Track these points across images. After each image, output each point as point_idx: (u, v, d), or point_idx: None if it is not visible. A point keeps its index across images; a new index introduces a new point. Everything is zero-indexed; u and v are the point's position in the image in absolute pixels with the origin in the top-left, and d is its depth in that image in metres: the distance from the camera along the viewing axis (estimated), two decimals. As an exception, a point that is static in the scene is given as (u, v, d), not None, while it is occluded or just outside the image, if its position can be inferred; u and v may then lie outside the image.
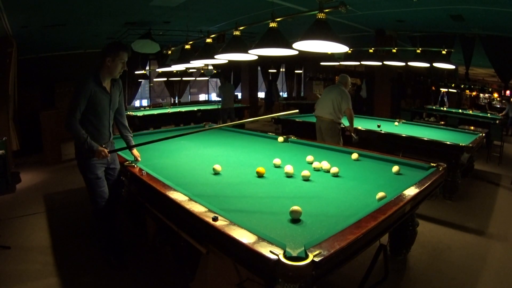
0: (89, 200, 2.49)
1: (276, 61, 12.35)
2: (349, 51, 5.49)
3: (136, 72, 8.79)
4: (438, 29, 6.00)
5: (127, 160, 2.60)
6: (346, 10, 2.13)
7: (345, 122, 4.53)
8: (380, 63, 5.34)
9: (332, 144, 3.50)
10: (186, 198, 1.81)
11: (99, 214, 2.47)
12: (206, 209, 1.64)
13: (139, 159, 2.65)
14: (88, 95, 2.27)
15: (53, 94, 8.02)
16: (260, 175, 2.39)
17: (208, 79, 12.76)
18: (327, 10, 2.14)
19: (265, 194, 2.05)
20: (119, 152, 2.65)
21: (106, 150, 2.34)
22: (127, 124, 2.70)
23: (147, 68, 9.39)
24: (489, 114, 8.67)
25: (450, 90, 12.85)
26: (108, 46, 2.35)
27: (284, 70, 13.43)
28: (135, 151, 2.68)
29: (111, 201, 2.51)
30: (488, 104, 14.42)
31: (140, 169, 2.34)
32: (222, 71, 10.02)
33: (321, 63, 7.71)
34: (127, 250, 2.71)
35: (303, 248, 1.26)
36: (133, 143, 2.67)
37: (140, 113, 6.79)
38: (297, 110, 3.07)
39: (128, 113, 6.37)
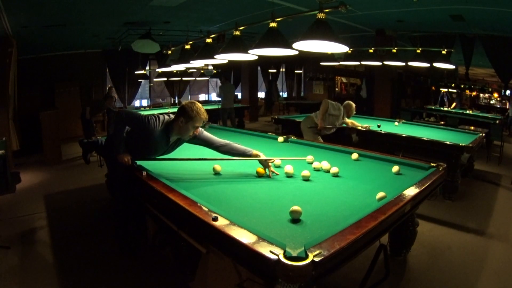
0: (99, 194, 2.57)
1: (276, 61, 12.35)
2: (349, 51, 5.49)
3: (136, 72, 8.79)
4: (438, 29, 6.01)
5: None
6: (346, 10, 2.13)
7: (363, 122, 4.73)
8: (380, 63, 5.34)
9: (332, 144, 3.50)
10: (186, 198, 1.81)
11: (123, 205, 2.57)
12: (206, 209, 1.64)
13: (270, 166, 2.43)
14: (146, 136, 2.30)
15: (53, 94, 8.02)
16: (260, 175, 2.39)
17: (208, 79, 12.75)
18: (327, 10, 2.14)
19: (265, 194, 2.05)
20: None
21: (129, 158, 2.34)
22: (220, 140, 2.52)
23: (147, 68, 9.38)
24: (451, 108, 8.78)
25: (450, 90, 12.83)
26: (185, 107, 2.25)
27: (284, 70, 13.42)
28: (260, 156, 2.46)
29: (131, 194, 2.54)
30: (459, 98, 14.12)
31: (140, 169, 2.34)
32: (222, 71, 10.02)
33: (321, 63, 7.72)
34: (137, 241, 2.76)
35: (303, 248, 1.26)
36: (238, 145, 2.53)
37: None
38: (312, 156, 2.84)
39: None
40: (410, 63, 4.96)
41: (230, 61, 3.57)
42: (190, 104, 2.27)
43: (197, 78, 10.97)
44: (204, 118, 2.29)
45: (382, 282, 2.19)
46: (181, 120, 2.26)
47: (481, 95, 15.60)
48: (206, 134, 2.50)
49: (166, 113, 2.46)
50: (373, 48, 5.33)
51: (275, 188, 2.18)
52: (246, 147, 2.53)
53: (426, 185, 2.09)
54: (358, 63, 6.01)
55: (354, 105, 4.62)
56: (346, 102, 4.65)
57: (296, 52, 2.46)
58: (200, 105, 2.31)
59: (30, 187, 4.46)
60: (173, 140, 2.42)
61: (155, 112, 7.05)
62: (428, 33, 6.29)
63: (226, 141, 2.52)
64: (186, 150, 3.25)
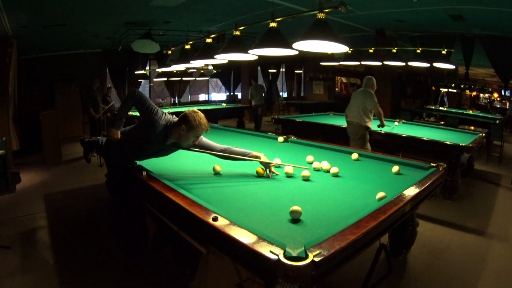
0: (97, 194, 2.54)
1: (276, 61, 12.35)
2: (349, 51, 5.50)
3: (136, 72, 8.79)
4: (438, 29, 6.01)
5: None
6: (346, 10, 2.13)
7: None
8: (380, 63, 5.34)
9: (332, 144, 3.49)
10: (186, 198, 1.81)
11: (123, 205, 2.60)
12: (206, 209, 1.64)
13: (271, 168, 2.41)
14: (148, 125, 2.30)
15: (53, 94, 8.03)
16: (260, 175, 2.39)
17: (208, 79, 12.76)
18: (327, 10, 2.14)
19: (265, 194, 2.05)
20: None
21: (118, 137, 2.33)
22: (219, 145, 2.47)
23: (147, 68, 9.38)
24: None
25: (450, 90, 12.83)
26: (188, 116, 2.21)
27: (284, 70, 13.42)
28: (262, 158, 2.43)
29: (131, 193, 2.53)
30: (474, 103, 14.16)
31: (140, 169, 2.34)
32: (251, 72, 10.15)
33: (321, 63, 7.71)
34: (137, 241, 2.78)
35: (303, 248, 1.26)
36: (238, 148, 2.51)
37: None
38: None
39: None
40: (410, 63, 4.96)
41: (230, 61, 3.57)
42: (193, 114, 2.23)
43: (197, 78, 10.98)
44: (206, 129, 2.26)
45: (385, 278, 2.19)
46: (183, 128, 2.23)
47: (481, 95, 15.60)
48: (205, 140, 2.47)
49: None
50: (373, 48, 5.33)
51: (275, 188, 2.18)
52: (245, 150, 2.51)
53: (426, 185, 2.09)
54: (358, 63, 6.01)
55: (373, 78, 4.47)
56: (366, 77, 4.50)
57: (296, 52, 2.46)
58: (202, 115, 2.27)
59: (30, 187, 4.46)
60: (169, 142, 2.40)
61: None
62: (428, 33, 6.30)
63: (225, 146, 2.49)
64: (184, 152, 3.25)
